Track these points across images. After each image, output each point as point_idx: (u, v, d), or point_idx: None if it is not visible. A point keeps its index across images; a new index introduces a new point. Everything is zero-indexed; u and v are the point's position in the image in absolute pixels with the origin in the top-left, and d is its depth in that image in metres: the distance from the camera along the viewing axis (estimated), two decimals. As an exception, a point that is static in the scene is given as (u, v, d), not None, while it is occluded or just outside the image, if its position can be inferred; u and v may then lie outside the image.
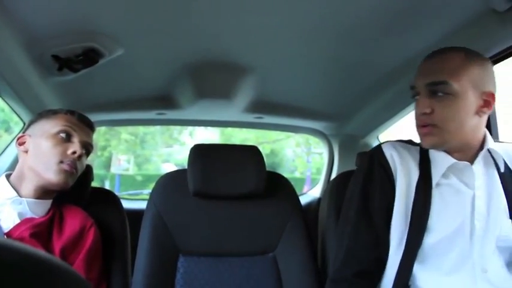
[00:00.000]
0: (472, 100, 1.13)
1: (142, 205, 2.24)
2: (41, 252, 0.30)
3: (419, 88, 1.17)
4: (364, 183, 1.25)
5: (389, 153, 1.24)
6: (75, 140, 1.33)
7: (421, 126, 1.17)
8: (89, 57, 1.55)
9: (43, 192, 1.31)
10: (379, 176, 1.23)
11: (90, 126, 1.42)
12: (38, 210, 1.30)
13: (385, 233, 1.20)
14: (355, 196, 1.26)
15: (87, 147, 1.38)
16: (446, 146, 1.17)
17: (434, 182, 1.18)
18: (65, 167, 1.28)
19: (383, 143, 1.31)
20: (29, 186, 1.29)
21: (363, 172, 1.27)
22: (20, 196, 1.28)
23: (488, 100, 1.15)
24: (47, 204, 1.34)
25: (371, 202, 1.22)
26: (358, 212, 1.23)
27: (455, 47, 1.18)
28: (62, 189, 1.31)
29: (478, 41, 1.34)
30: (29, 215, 1.28)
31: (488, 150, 1.20)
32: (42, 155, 1.29)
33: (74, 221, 1.35)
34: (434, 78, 1.13)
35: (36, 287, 0.28)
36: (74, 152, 1.30)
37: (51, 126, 1.34)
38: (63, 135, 1.32)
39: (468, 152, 1.19)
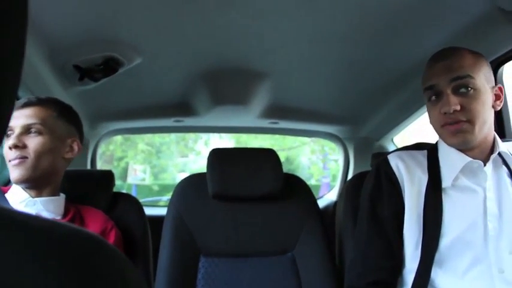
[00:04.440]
0: (489, 94, 1.16)
1: (160, 211, 2.28)
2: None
3: (441, 86, 1.16)
4: (372, 194, 1.27)
5: (395, 164, 1.25)
6: (15, 131, 1.29)
7: (449, 124, 1.16)
8: (109, 66, 1.60)
9: (37, 189, 1.32)
10: (386, 187, 1.24)
11: (27, 105, 1.33)
12: (52, 208, 1.33)
13: (398, 241, 1.22)
14: (365, 208, 1.28)
15: (31, 127, 1.30)
16: (472, 143, 1.17)
17: (444, 185, 1.19)
18: (12, 162, 1.27)
19: (389, 153, 1.32)
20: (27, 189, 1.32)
21: (370, 184, 1.29)
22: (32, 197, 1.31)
23: (497, 94, 1.19)
24: (59, 201, 1.36)
25: (380, 213, 1.24)
26: (369, 223, 1.25)
27: (460, 47, 1.21)
28: (26, 181, 1.29)
29: (486, 40, 1.36)
30: (46, 214, 1.30)
31: (500, 153, 1.22)
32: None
33: (94, 223, 1.37)
34: (458, 73, 1.14)
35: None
36: (10, 147, 1.27)
37: None
38: (9, 132, 1.30)
39: (481, 151, 1.20)
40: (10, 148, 1.27)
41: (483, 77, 1.16)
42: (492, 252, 1.12)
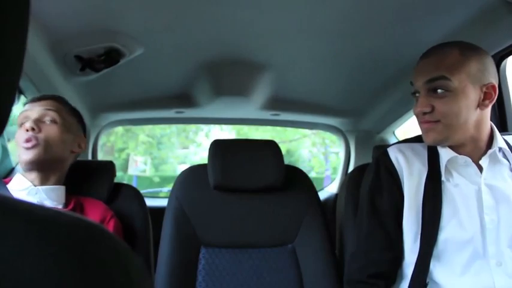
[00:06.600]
0: (471, 95, 1.13)
1: (161, 202, 2.29)
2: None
3: (418, 87, 1.18)
4: (372, 187, 1.28)
5: (395, 157, 1.26)
6: (31, 117, 1.34)
7: (423, 122, 1.18)
8: (111, 56, 1.59)
9: (42, 176, 1.34)
10: (386, 179, 1.25)
11: (43, 98, 1.41)
12: (54, 196, 1.35)
13: (398, 233, 1.22)
14: (365, 201, 1.29)
15: (46, 116, 1.36)
16: (449, 142, 1.18)
17: (442, 178, 1.19)
18: (24, 144, 1.30)
19: (389, 146, 1.32)
20: (30, 176, 1.34)
21: (370, 177, 1.30)
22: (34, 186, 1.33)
23: (488, 92, 1.15)
24: (60, 190, 1.38)
25: (380, 205, 1.24)
26: (369, 216, 1.26)
27: (451, 42, 1.19)
28: (37, 163, 1.32)
29: (490, 33, 1.35)
30: (48, 202, 1.33)
31: (501, 149, 1.21)
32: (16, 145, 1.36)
33: (94, 213, 1.39)
34: (432, 75, 1.14)
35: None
36: (27, 130, 1.31)
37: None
38: (24, 121, 1.34)
39: (476, 147, 1.20)
40: (27, 130, 1.31)
41: (467, 77, 1.12)
42: (491, 245, 1.13)
